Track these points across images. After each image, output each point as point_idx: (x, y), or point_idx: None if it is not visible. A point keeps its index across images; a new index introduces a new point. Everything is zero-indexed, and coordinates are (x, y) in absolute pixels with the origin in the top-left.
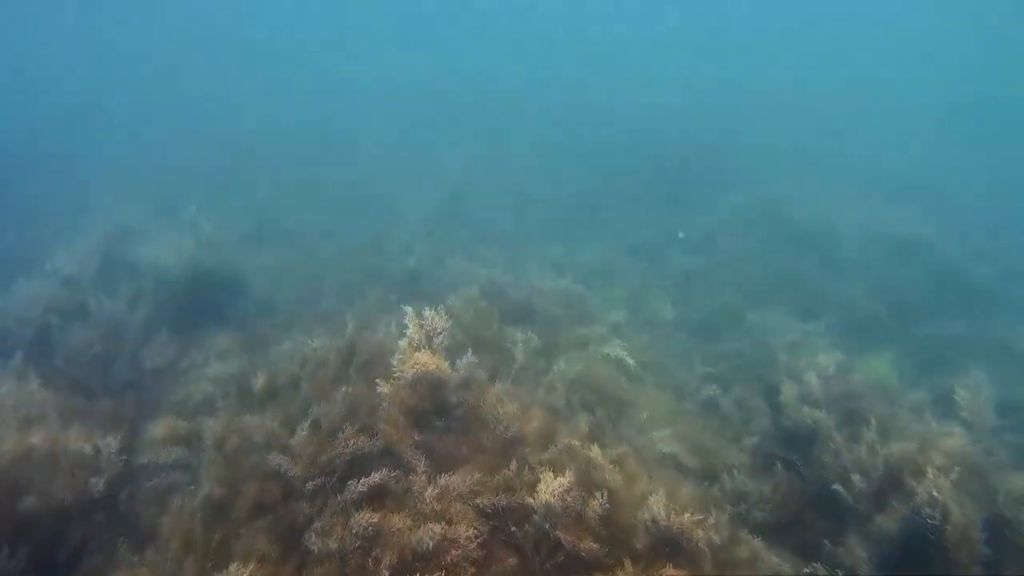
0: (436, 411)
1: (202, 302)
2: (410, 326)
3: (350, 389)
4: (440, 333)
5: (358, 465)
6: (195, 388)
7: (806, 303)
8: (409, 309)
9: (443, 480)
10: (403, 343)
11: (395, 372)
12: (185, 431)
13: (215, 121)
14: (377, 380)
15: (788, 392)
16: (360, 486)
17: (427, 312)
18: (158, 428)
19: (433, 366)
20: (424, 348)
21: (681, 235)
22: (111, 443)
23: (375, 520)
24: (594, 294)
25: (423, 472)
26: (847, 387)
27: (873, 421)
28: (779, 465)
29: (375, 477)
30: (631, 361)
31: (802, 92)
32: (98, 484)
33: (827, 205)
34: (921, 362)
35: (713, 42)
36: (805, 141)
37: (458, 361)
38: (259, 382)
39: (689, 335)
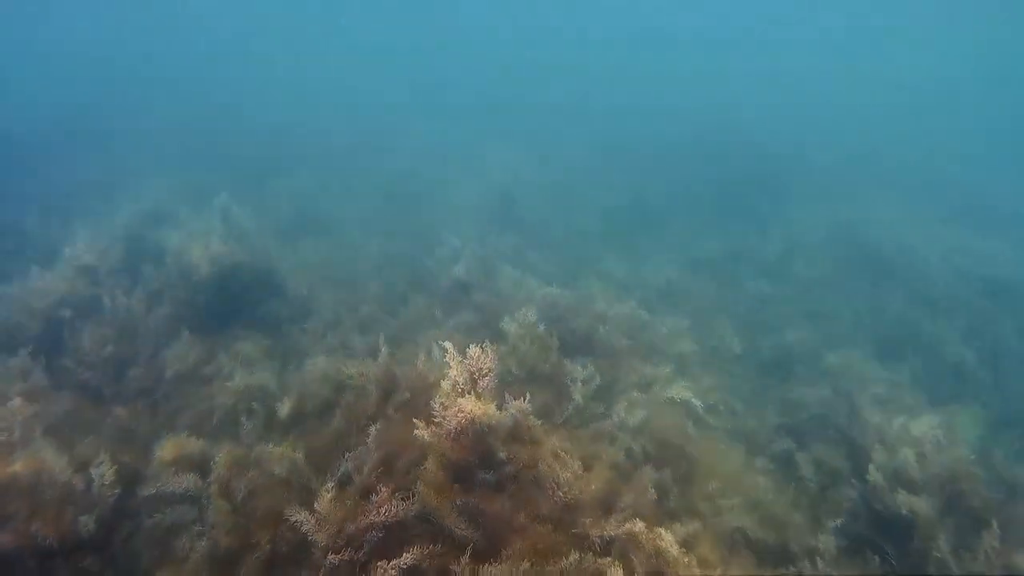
0: (483, 463)
1: (230, 301)
2: (452, 366)
3: (386, 432)
4: (486, 375)
5: (391, 533)
6: (216, 401)
7: (888, 343)
8: (450, 346)
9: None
10: (445, 384)
11: (435, 417)
12: (199, 454)
13: (258, 109)
14: (416, 422)
15: (878, 464)
16: (390, 569)
17: (472, 350)
18: (167, 450)
19: (479, 413)
20: (469, 392)
21: None
22: (105, 473)
23: None
24: (658, 319)
25: (465, 546)
26: (950, 465)
27: (994, 525)
28: (869, 553)
29: (407, 558)
30: (697, 403)
31: (871, 97)
32: (88, 523)
33: (908, 229)
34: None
35: (774, 42)
36: (879, 151)
37: (510, 403)
38: (286, 407)
39: (759, 372)
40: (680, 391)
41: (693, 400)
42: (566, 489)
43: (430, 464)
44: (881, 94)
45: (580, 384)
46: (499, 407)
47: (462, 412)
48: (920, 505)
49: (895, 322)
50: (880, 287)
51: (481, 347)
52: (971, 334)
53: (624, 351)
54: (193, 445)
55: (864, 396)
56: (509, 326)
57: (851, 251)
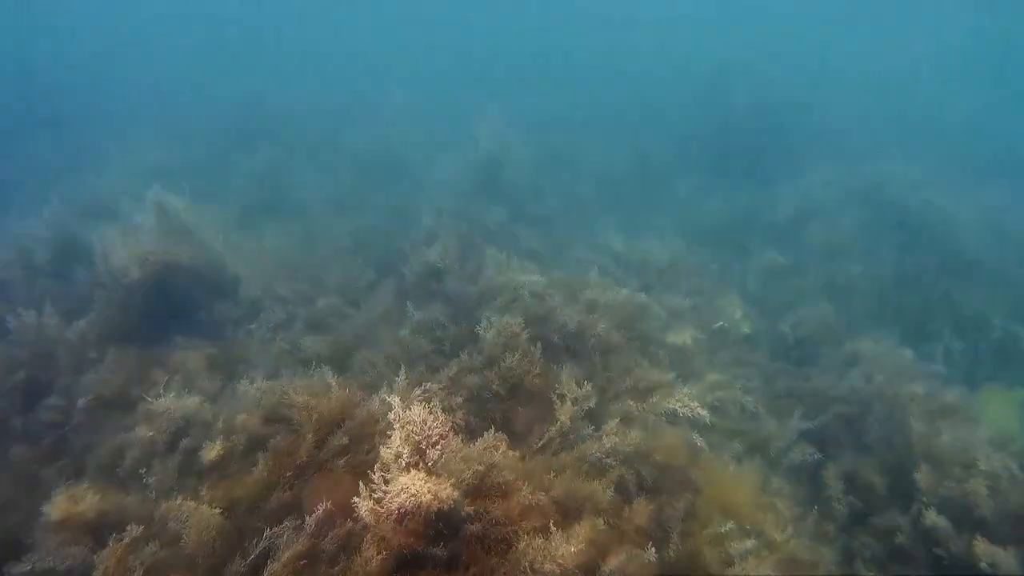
0: (436, 539)
1: (170, 306)
2: (395, 434)
3: (318, 489)
4: (437, 443)
5: None
6: (134, 436)
7: (920, 320)
8: (396, 404)
9: None
10: (386, 453)
11: (376, 491)
12: (95, 515)
13: (223, 79)
14: (355, 500)
15: (930, 493)
16: None
17: (415, 413)
18: (57, 507)
19: (428, 497)
20: (416, 466)
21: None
22: None
23: None
24: (658, 302)
25: None
26: None
27: None
28: None
29: None
30: (703, 414)
31: (893, 48)
32: None
33: (938, 189)
34: None
35: None
36: (901, 104)
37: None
38: (211, 453)
39: (773, 358)
40: (682, 400)
41: (699, 411)
42: (539, 558)
43: (368, 549)
44: (904, 46)
45: (568, 401)
46: (466, 439)
47: (406, 491)
48: (1001, 557)
49: (928, 295)
50: (909, 254)
51: (429, 407)
52: (1020, 307)
53: (619, 347)
54: (90, 501)
55: (900, 392)
56: (487, 332)
57: (874, 213)
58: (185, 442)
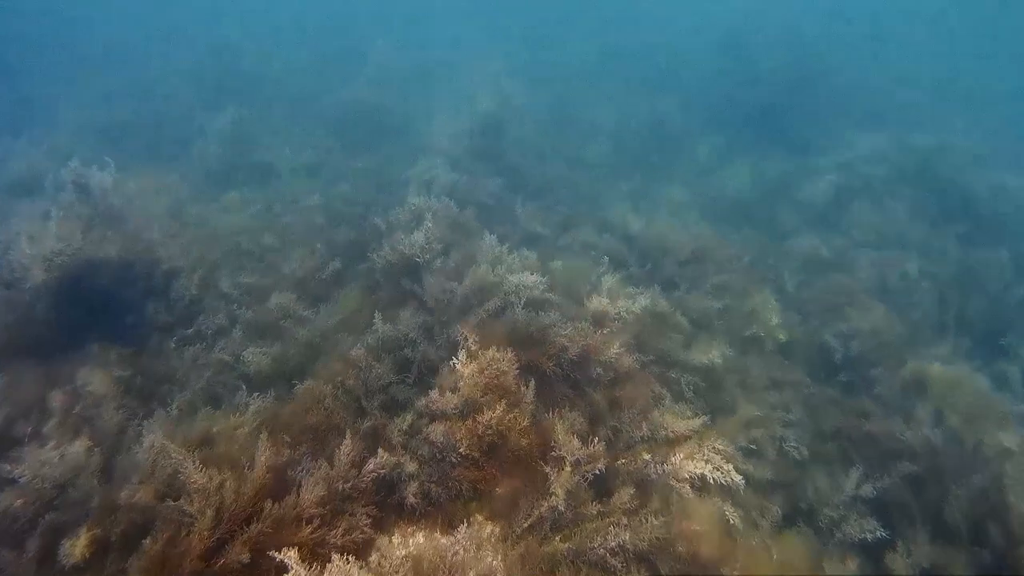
0: None
1: (88, 309)
2: None
3: None
4: None
5: None
6: None
7: (993, 331)
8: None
9: None
10: None
11: None
12: None
13: (192, 29)
14: None
15: None
16: None
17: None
18: None
19: None
20: None
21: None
22: None
23: None
24: (680, 304)
25: None
26: None
27: None
28: None
29: None
30: (738, 479)
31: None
32: None
33: (1007, 166)
34: None
35: None
36: (953, 64)
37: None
38: (75, 549)
39: (816, 379)
40: (713, 460)
41: (732, 475)
42: None
43: None
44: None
45: (567, 471)
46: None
47: None
48: None
49: (999, 299)
50: (974, 247)
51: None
52: None
53: (632, 376)
54: None
55: (987, 444)
56: (465, 367)
57: (929, 193)
58: (50, 518)
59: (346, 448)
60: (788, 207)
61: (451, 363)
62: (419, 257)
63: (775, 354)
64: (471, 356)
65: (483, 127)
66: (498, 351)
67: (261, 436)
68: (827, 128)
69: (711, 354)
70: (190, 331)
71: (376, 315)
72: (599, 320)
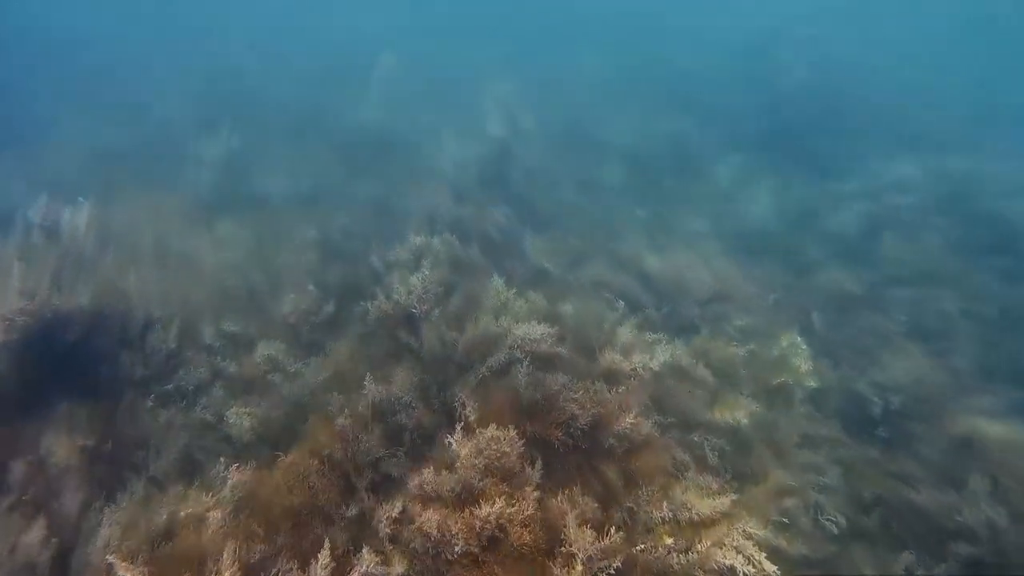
0: None
1: (56, 364)
2: None
3: None
4: None
5: None
6: None
7: None
8: None
9: None
10: None
11: None
12: None
13: (187, 43)
14: None
15: None
16: None
17: None
18: None
19: None
20: None
21: None
22: None
23: None
24: (702, 354)
25: None
26: None
27: None
28: None
29: None
30: (771, 570)
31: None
32: None
33: None
34: None
35: None
36: (988, 84)
37: None
38: None
39: (850, 430)
40: (744, 548)
41: (766, 567)
42: None
43: None
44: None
45: (579, 564)
46: None
47: None
48: None
49: None
50: (1019, 281)
51: None
52: None
53: (650, 444)
54: None
55: None
56: (461, 448)
57: (965, 223)
58: None
59: (324, 559)
60: (814, 238)
61: (447, 441)
62: (416, 308)
63: (806, 404)
64: (468, 432)
65: (490, 152)
66: (499, 429)
67: (227, 546)
68: (853, 151)
69: (737, 413)
70: (169, 387)
71: (367, 378)
72: (613, 377)
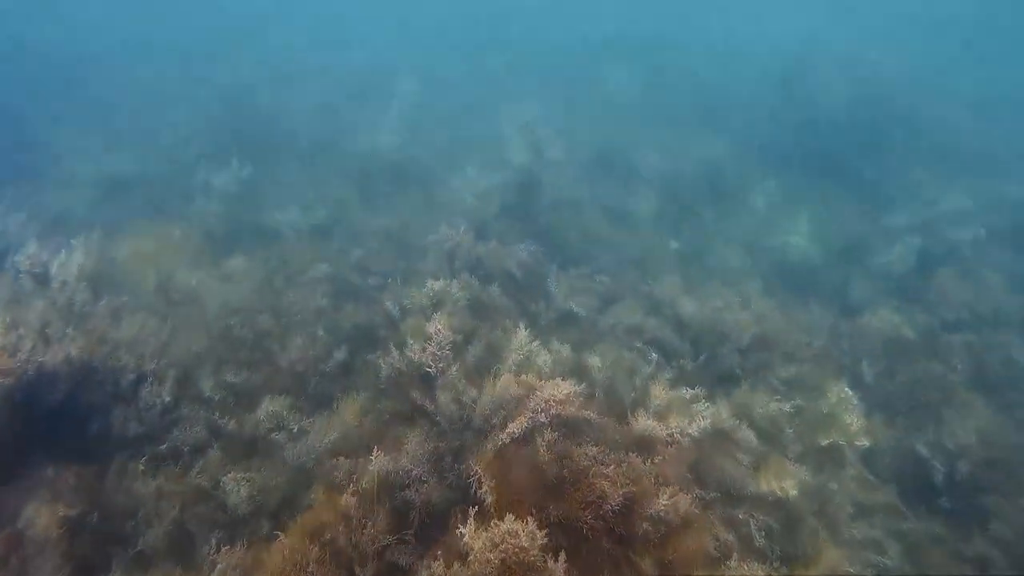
0: None
1: (41, 423)
2: None
3: None
4: None
5: None
6: None
7: None
8: None
9: None
10: None
11: None
12: None
13: (218, 70)
14: None
15: None
16: None
17: None
18: None
19: None
20: None
21: None
22: None
23: None
24: (744, 411)
25: None
26: None
27: None
28: None
29: None
30: None
31: None
32: None
33: None
34: None
35: None
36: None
37: None
38: None
39: (908, 499)
40: None
41: None
42: None
43: None
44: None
45: None
46: None
47: None
48: None
49: None
50: None
51: None
52: None
53: (688, 523)
54: None
55: None
56: (475, 540)
57: None
58: None
59: None
60: (861, 274)
61: (459, 531)
62: (431, 367)
63: (859, 465)
64: (483, 518)
65: (514, 183)
66: (517, 520)
67: None
68: (900, 175)
69: (785, 482)
70: (163, 447)
71: (374, 452)
72: (647, 445)
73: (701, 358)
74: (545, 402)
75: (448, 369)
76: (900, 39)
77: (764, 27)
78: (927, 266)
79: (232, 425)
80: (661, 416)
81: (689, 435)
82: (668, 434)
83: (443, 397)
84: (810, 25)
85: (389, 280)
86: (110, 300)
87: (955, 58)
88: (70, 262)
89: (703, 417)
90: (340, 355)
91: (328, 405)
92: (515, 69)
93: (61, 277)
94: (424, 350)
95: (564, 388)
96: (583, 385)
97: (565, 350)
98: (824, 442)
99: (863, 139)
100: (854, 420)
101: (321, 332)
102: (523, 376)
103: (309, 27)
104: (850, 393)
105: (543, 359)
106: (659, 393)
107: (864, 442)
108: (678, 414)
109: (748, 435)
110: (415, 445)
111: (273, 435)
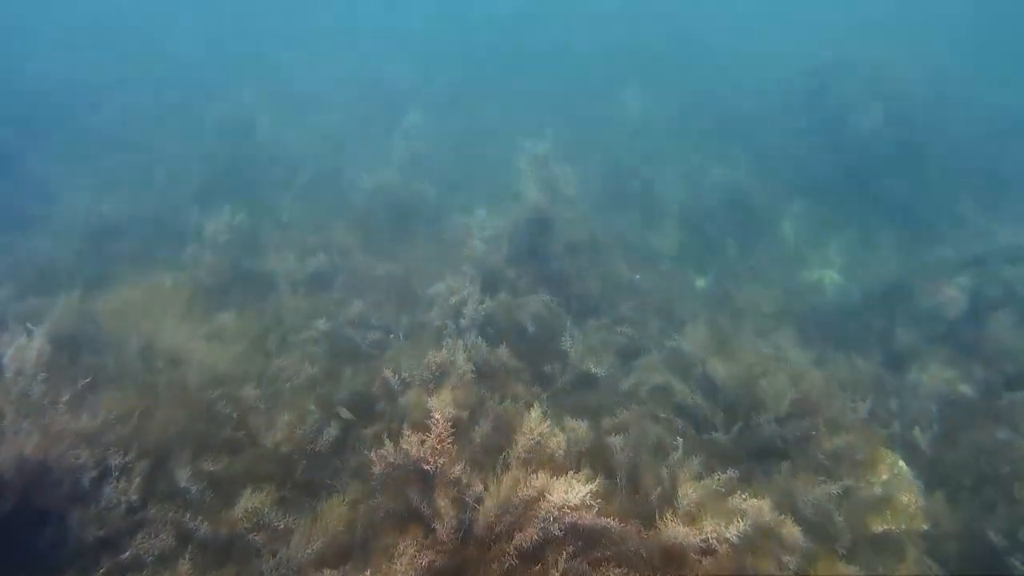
0: None
1: None
2: None
3: None
4: None
5: None
6: None
7: None
8: None
9: None
10: None
11: None
12: None
13: (210, 105)
14: None
15: None
16: None
17: None
18: None
19: None
20: None
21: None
22: None
23: None
24: (787, 493)
25: None
26: None
27: None
28: None
29: None
30: None
31: None
32: None
33: None
34: None
35: None
36: None
37: None
38: None
39: None
40: None
41: None
42: None
43: None
44: None
45: None
46: None
47: None
48: None
49: None
50: None
51: None
52: None
53: None
54: None
55: None
56: None
57: None
58: None
59: None
60: (905, 318)
61: None
62: (429, 463)
63: (920, 556)
64: None
65: (526, 225)
66: None
67: None
68: (942, 201)
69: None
70: (125, 555)
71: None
72: (678, 558)
73: (735, 429)
74: (558, 510)
75: (449, 467)
76: (924, 48)
77: (783, 41)
78: (981, 310)
79: (205, 528)
80: (693, 517)
81: (727, 540)
82: (702, 539)
83: (442, 502)
84: (832, 37)
85: (391, 336)
86: (72, 387)
87: (982, 66)
88: (29, 347)
89: (742, 516)
90: (332, 431)
91: (317, 493)
92: (526, 93)
93: (16, 365)
94: (422, 443)
95: (579, 491)
96: (600, 479)
97: (581, 428)
98: (878, 528)
99: (894, 158)
100: (911, 500)
101: (311, 407)
102: (533, 470)
103: (312, 48)
104: (905, 468)
105: (556, 441)
106: (688, 490)
107: (923, 526)
108: (713, 513)
109: (794, 531)
110: (407, 563)
111: (251, 536)
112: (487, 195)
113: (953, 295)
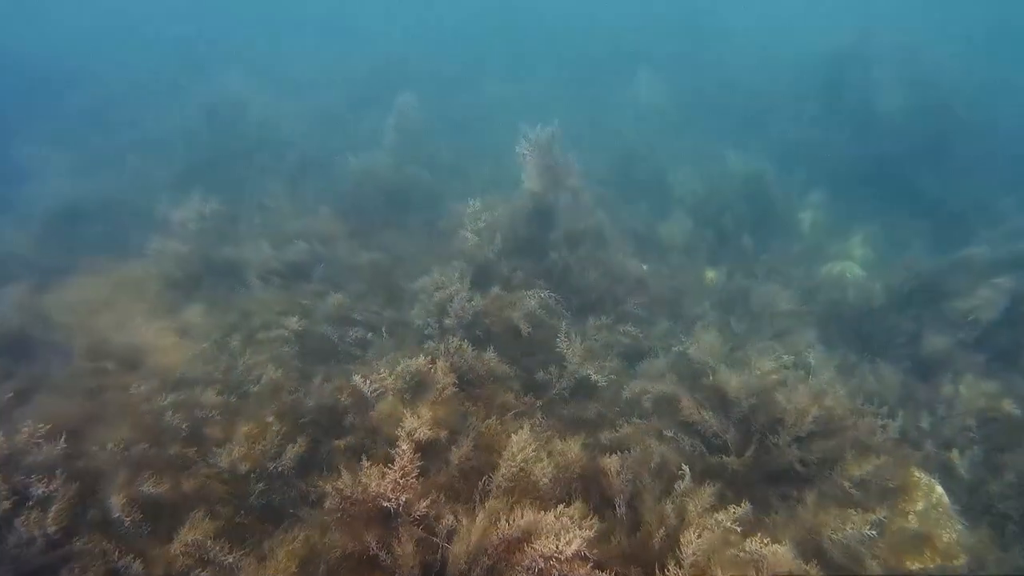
0: None
1: None
2: None
3: None
4: None
5: None
6: None
7: None
8: None
9: None
10: None
11: None
12: None
13: (194, 79)
14: None
15: None
16: None
17: None
18: None
19: None
20: None
21: None
22: None
23: None
24: (811, 544)
25: None
26: None
27: None
28: None
29: None
30: None
31: None
32: None
33: None
34: None
35: None
36: None
37: None
38: None
39: None
40: None
41: None
42: None
43: None
44: None
45: None
46: None
47: None
48: None
49: None
50: None
51: None
52: None
53: None
54: None
55: None
56: None
57: None
58: None
59: None
60: (935, 320)
61: None
62: (390, 500)
63: None
64: None
65: (525, 214)
66: None
67: None
68: (975, 194)
69: None
70: None
71: None
72: None
73: (750, 451)
74: (545, 560)
75: (415, 503)
76: (954, 31)
77: (806, 24)
78: (1021, 314)
79: (138, 566)
80: (702, 571)
81: None
82: None
83: (405, 548)
84: (857, 20)
85: (370, 335)
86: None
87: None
88: None
89: (760, 567)
90: (296, 448)
91: (277, 520)
92: (531, 75)
93: None
94: (383, 476)
95: (573, 539)
96: (595, 518)
97: (572, 449)
98: (915, 566)
99: (922, 147)
100: (951, 535)
101: (270, 419)
102: (516, 500)
103: (311, 29)
104: (943, 496)
105: (542, 467)
106: (695, 536)
107: (961, 560)
108: (724, 565)
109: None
110: None
111: (195, 573)
112: (485, 182)
113: (989, 296)
